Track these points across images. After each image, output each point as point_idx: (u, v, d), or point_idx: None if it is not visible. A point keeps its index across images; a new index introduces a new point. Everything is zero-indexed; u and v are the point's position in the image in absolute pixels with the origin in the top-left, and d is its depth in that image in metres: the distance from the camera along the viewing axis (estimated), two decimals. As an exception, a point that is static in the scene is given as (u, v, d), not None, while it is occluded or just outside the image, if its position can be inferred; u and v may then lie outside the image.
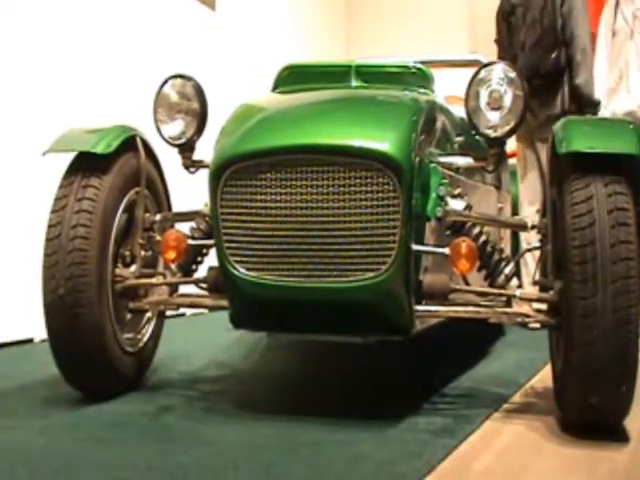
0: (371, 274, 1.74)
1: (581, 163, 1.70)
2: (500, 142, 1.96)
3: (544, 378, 2.38)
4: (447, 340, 3.07)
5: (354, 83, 2.18)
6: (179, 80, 2.14)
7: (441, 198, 1.91)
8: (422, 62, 2.30)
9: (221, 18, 4.67)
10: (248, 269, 1.82)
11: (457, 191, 1.98)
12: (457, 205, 1.94)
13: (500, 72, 1.88)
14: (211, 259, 2.05)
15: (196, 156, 2.21)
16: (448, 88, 2.74)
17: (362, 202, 1.73)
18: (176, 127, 2.14)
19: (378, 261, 1.74)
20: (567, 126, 1.78)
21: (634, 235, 1.63)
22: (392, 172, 1.72)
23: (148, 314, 2.28)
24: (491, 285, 1.99)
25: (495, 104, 1.89)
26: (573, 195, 1.68)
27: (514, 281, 1.98)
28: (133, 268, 2.14)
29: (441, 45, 4.84)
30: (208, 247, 2.11)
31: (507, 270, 1.98)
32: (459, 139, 2.19)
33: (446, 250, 1.82)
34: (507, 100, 1.87)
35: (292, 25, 5.24)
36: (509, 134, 1.92)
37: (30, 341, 3.16)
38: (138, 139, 2.14)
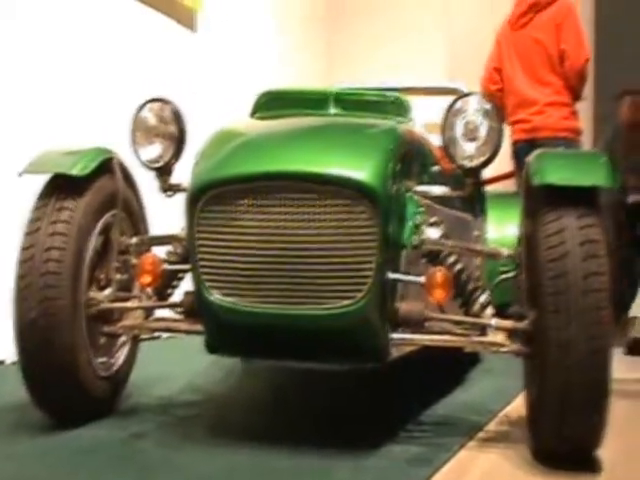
0: (347, 302, 1.76)
1: (554, 195, 1.74)
2: (476, 172, 2.00)
3: (519, 406, 2.39)
4: (423, 367, 3.09)
5: (333, 110, 2.22)
6: (157, 103, 2.16)
7: (417, 227, 1.94)
8: (402, 89, 2.35)
9: (201, 40, 4.70)
10: (224, 294, 1.84)
11: (433, 219, 2.02)
12: (433, 234, 1.97)
13: (475, 103, 1.93)
14: (187, 283, 2.05)
15: (175, 180, 2.22)
16: (427, 115, 2.79)
17: (338, 230, 1.75)
18: (153, 151, 2.15)
19: (354, 289, 1.76)
20: (541, 158, 1.83)
21: (605, 266, 1.67)
22: (368, 200, 1.75)
23: (122, 338, 2.27)
24: (466, 313, 2.02)
25: (471, 135, 1.93)
26: (546, 227, 1.72)
27: (489, 309, 2.00)
28: (108, 291, 2.14)
29: (422, 70, 4.92)
30: (184, 271, 2.11)
31: (482, 298, 2.01)
32: (436, 168, 2.23)
33: (422, 279, 1.85)
34: (482, 131, 1.92)
35: (273, 47, 5.29)
36: (484, 164, 1.96)
37: (1, 363, 3.13)
38: (115, 161, 2.15)
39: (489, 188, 3.53)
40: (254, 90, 2.42)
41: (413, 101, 2.40)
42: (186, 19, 4.54)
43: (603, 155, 1.85)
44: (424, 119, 2.58)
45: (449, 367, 3.08)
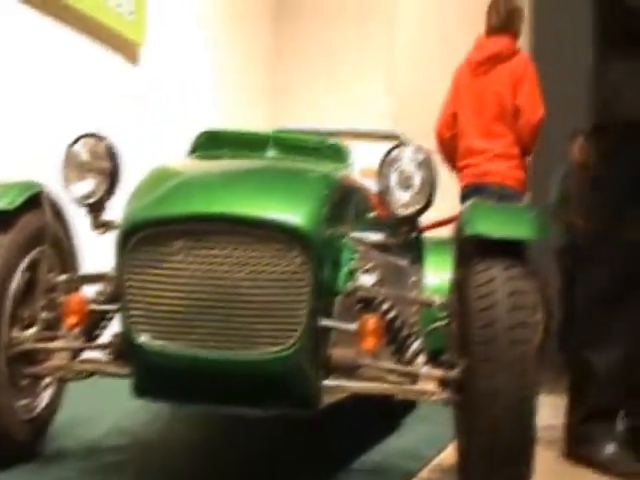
0: (277, 348, 1.76)
1: (484, 245, 1.79)
2: (410, 220, 2.04)
3: (452, 454, 2.42)
4: (358, 412, 3.09)
5: (271, 153, 2.24)
6: (91, 138, 2.14)
7: (352, 273, 1.97)
8: (343, 132, 2.40)
9: (143, 74, 4.68)
10: (153, 337, 1.81)
11: (368, 266, 2.04)
12: (367, 280, 1.99)
13: (410, 153, 1.98)
14: (117, 324, 2.03)
15: (110, 216, 2.20)
16: (367, 160, 2.84)
17: (270, 275, 1.75)
18: (85, 187, 2.13)
19: (285, 335, 1.76)
20: (473, 208, 1.89)
21: (533, 317, 1.72)
22: (301, 245, 1.76)
23: (47, 379, 2.22)
24: (399, 361, 2.04)
25: (405, 184, 1.97)
26: (476, 277, 1.77)
27: (421, 357, 2.03)
28: (32, 331, 2.09)
29: (364, 114, 5.01)
30: (113, 312, 2.09)
31: (415, 346, 2.03)
32: (372, 214, 2.27)
33: (354, 326, 1.87)
34: (416, 181, 1.97)
35: (216, 85, 5.31)
36: (419, 213, 2.01)
37: None
38: (44, 196, 2.12)
39: (432, 233, 3.60)
40: (195, 128, 2.44)
41: (354, 145, 2.45)
42: (127, 52, 4.52)
43: (533, 209, 1.92)
44: (364, 164, 2.63)
45: (384, 413, 3.10)
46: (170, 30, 4.86)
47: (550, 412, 2.81)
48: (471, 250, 1.83)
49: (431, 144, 4.83)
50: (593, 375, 2.52)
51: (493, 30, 4.01)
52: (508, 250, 1.79)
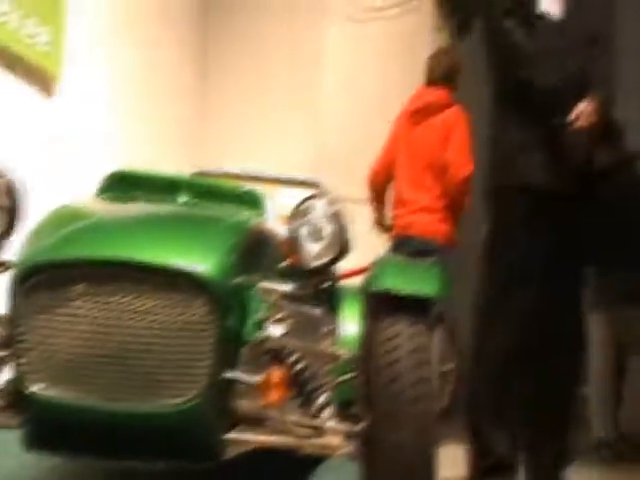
0: (178, 400, 1.71)
1: (390, 301, 1.82)
2: (321, 272, 2.04)
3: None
4: (265, 463, 3.04)
5: (183, 198, 2.22)
6: None
7: (260, 323, 1.95)
8: (263, 178, 2.40)
9: (59, 107, 4.57)
10: (47, 386, 1.74)
11: (278, 316, 2.03)
12: (276, 331, 1.97)
13: (322, 205, 1.99)
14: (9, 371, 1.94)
15: (6, 256, 2.12)
16: (286, 207, 2.85)
17: (173, 324, 1.71)
18: (-19, 225, 2.04)
19: (186, 387, 1.72)
20: (381, 263, 1.92)
21: (435, 373, 1.75)
22: (207, 295, 1.73)
23: None
24: (306, 414, 2.03)
25: (316, 235, 1.98)
26: (382, 332, 1.79)
27: (328, 411, 2.02)
28: None
29: (287, 159, 5.03)
30: (5, 358, 1.99)
31: (322, 399, 2.02)
32: (285, 263, 2.27)
33: (258, 379, 1.84)
34: (327, 233, 1.98)
35: (135, 122, 5.23)
36: (328, 265, 2.02)
37: None
38: None
39: (350, 281, 3.61)
40: (109, 166, 2.39)
41: (275, 191, 2.45)
42: (42, 84, 4.40)
43: (439, 266, 1.97)
44: (282, 211, 2.63)
45: (294, 462, 3.05)
46: (90, 62, 4.77)
47: (453, 463, 2.83)
48: (378, 304, 1.85)
49: (354, 193, 4.91)
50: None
51: (431, 82, 4.09)
52: (414, 306, 1.81)
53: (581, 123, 2.42)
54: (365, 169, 5.31)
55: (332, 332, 3.17)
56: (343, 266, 2.70)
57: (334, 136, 5.29)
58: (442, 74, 4.06)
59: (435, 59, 4.16)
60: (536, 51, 2.45)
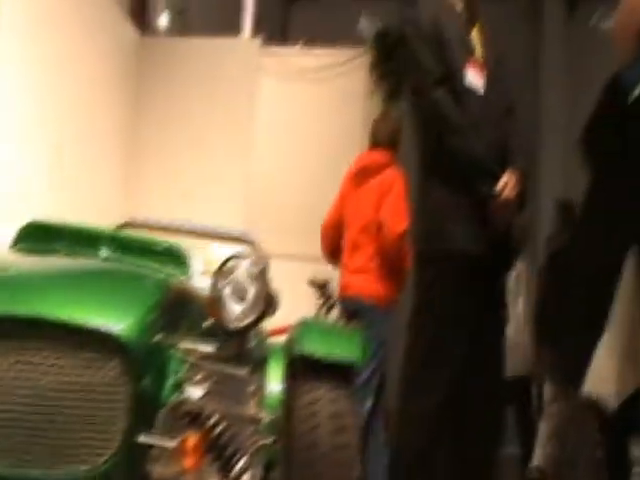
0: (87, 467, 1.64)
1: (311, 365, 1.81)
2: (242, 333, 2.02)
3: None
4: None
5: (104, 252, 2.17)
6: None
7: (178, 385, 1.90)
8: (193, 230, 2.36)
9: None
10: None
11: (198, 377, 1.98)
12: (195, 393, 1.93)
13: (246, 265, 1.97)
14: None
15: None
16: (215, 262, 2.82)
17: (84, 386, 1.65)
18: None
19: (97, 452, 1.65)
20: (302, 327, 1.91)
21: (355, 438, 1.73)
22: (121, 355, 1.68)
23: None
24: (225, 478, 1.98)
25: (239, 296, 1.96)
26: (301, 397, 1.77)
27: (247, 475, 1.97)
28: None
29: (218, 214, 4.99)
30: None
31: (241, 463, 1.98)
32: (208, 322, 2.23)
33: (173, 443, 1.79)
34: (250, 294, 1.96)
35: (58, 170, 5.09)
36: (251, 326, 1.99)
37: None
38: None
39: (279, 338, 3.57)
40: (27, 217, 2.33)
41: (204, 244, 2.42)
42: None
43: (360, 330, 1.97)
44: (212, 266, 2.60)
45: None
46: (15, 105, 4.65)
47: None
48: (299, 368, 1.84)
49: (283, 250, 4.90)
50: None
51: (375, 145, 4.19)
52: (334, 371, 1.80)
53: (507, 194, 2.49)
54: (297, 225, 5.34)
55: (257, 393, 3.12)
56: (272, 322, 2.68)
57: (266, 192, 5.32)
58: (386, 138, 4.16)
59: (379, 123, 4.27)
60: (463, 121, 2.53)
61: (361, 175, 4.10)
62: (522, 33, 8.59)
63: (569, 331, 2.30)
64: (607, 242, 2.17)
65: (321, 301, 4.27)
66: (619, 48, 2.02)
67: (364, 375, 3.45)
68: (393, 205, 3.95)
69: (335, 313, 4.24)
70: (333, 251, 4.16)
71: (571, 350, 2.26)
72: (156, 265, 2.21)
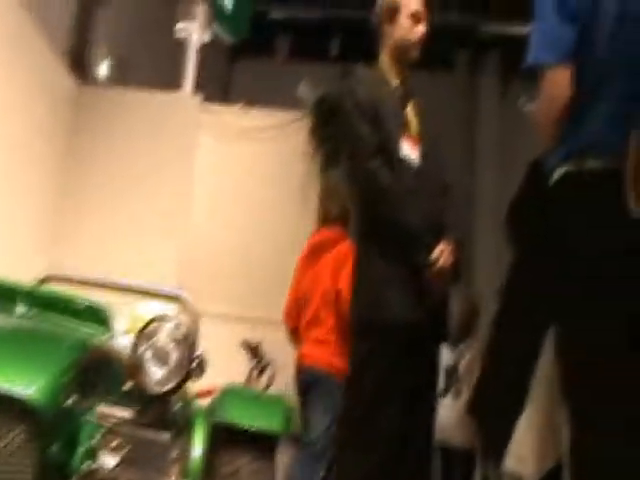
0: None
1: (232, 434, 1.75)
2: (163, 397, 1.95)
3: None
4: None
5: (20, 309, 2.08)
6: None
7: (91, 452, 1.81)
8: (122, 286, 2.29)
9: None
10: None
11: (114, 444, 1.90)
12: (109, 461, 1.84)
13: (169, 328, 1.92)
14: None
15: None
16: (142, 320, 2.74)
17: (-11, 453, 1.57)
18: None
19: (-5, 525, 1.56)
20: (225, 396, 1.86)
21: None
22: (28, 420, 1.59)
23: None
24: None
25: (161, 360, 1.90)
26: (221, 467, 1.71)
27: None
28: None
29: (150, 270, 4.89)
30: None
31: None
32: (128, 385, 2.15)
33: (78, 517, 1.70)
34: (173, 358, 1.90)
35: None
36: (171, 392, 1.93)
37: None
38: None
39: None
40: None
41: (132, 302, 2.35)
42: None
43: (286, 401, 1.93)
44: (138, 324, 2.52)
45: None
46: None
47: None
48: (221, 436, 1.78)
49: (216, 310, 4.82)
50: None
51: (327, 222, 4.26)
52: (257, 440, 1.75)
53: (442, 263, 2.52)
54: (232, 285, 5.27)
55: (179, 459, 3.01)
56: (200, 384, 2.61)
57: (201, 249, 5.25)
58: (336, 214, 4.25)
59: (327, 201, 4.35)
60: (398, 192, 2.56)
61: (316, 252, 4.19)
62: (458, 111, 8.89)
63: (493, 408, 2.32)
64: (527, 322, 2.23)
65: (253, 363, 4.22)
66: (541, 133, 2.10)
67: (318, 446, 3.41)
68: (350, 275, 3.99)
69: (266, 376, 4.19)
70: (295, 329, 4.17)
71: (494, 426, 2.27)
72: (75, 323, 2.13)
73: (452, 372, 5.30)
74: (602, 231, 1.97)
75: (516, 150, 8.04)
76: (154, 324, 1.92)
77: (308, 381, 3.83)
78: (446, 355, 5.34)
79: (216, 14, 5.62)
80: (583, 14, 2.02)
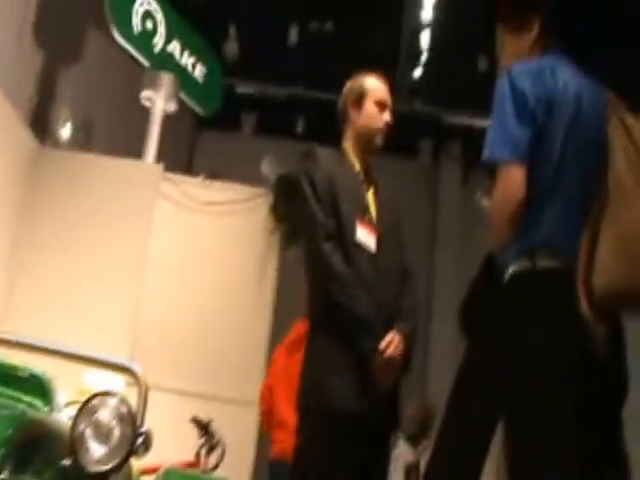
0: None
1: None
2: (103, 476, 1.87)
3: None
4: None
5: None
6: None
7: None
8: (71, 354, 2.21)
9: None
10: None
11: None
12: None
13: (113, 404, 1.86)
14: None
15: None
16: (88, 391, 2.65)
17: None
18: None
19: None
20: (165, 476, 1.79)
21: None
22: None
23: None
24: None
25: (102, 437, 1.84)
26: None
27: None
28: None
29: (103, 342, 4.75)
30: None
31: None
32: (65, 462, 2.06)
33: None
34: (115, 435, 1.84)
35: None
36: (112, 470, 1.85)
37: None
38: None
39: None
40: None
41: (78, 371, 2.27)
42: None
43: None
44: (83, 396, 2.44)
45: None
46: None
47: None
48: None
49: (167, 384, 4.70)
50: None
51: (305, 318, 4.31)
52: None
53: (390, 353, 2.50)
54: (185, 360, 5.15)
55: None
56: (146, 461, 2.52)
57: (156, 321, 5.15)
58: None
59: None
60: (349, 277, 2.54)
61: (297, 344, 4.18)
62: (420, 197, 9.06)
63: None
64: (475, 417, 2.24)
65: (202, 441, 4.12)
66: (495, 230, 2.13)
67: None
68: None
69: (215, 455, 4.09)
70: (268, 411, 4.11)
71: None
72: (15, 394, 2.04)
73: (412, 470, 5.24)
74: (551, 333, 1.99)
75: (476, 238, 8.18)
76: (97, 399, 1.86)
77: (285, 470, 3.76)
78: (406, 453, 5.30)
79: (185, 85, 5.68)
80: (540, 117, 2.11)
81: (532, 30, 2.30)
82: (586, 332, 1.95)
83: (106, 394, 1.88)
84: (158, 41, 5.45)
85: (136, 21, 5.28)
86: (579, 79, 2.21)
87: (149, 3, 5.37)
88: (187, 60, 5.71)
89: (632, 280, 1.93)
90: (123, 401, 1.87)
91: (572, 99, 2.14)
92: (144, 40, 5.34)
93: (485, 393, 2.23)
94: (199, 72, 5.82)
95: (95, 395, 1.87)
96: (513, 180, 2.07)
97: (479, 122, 8.24)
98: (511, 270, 2.10)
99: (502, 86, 2.16)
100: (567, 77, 2.18)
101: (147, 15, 5.37)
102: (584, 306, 1.95)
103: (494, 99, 2.17)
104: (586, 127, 2.14)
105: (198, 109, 5.88)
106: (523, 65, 2.21)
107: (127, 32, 5.23)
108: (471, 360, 2.33)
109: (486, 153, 2.14)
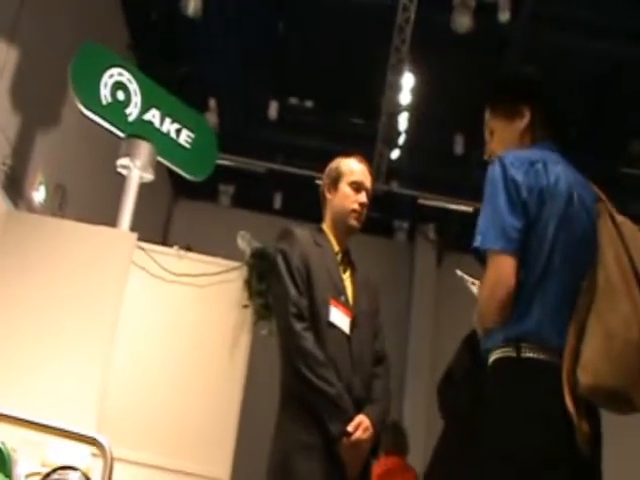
0: None
1: None
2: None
3: None
4: None
5: None
6: None
7: None
8: (35, 423, 2.17)
9: None
10: None
11: None
12: None
13: (74, 478, 1.84)
14: None
15: None
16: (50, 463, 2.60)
17: None
18: None
19: None
20: None
21: None
22: None
23: None
24: None
25: None
26: None
27: None
28: None
29: (69, 413, 4.65)
30: None
31: None
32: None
33: None
34: None
35: None
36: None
37: None
38: None
39: None
40: None
41: (41, 440, 2.23)
42: None
43: None
44: (46, 467, 2.39)
45: None
46: None
47: None
48: None
49: (134, 455, 4.58)
50: None
51: (386, 451, 4.40)
52: None
53: (358, 436, 2.48)
54: (154, 433, 5.04)
55: None
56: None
57: (124, 394, 5.07)
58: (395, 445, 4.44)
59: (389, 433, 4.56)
60: (320, 357, 2.55)
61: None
62: (395, 276, 9.14)
63: None
64: None
65: None
66: (482, 317, 2.13)
67: None
68: None
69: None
70: None
71: None
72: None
73: None
74: (534, 427, 1.97)
75: (450, 316, 8.24)
76: (58, 473, 1.83)
77: None
78: None
79: (168, 152, 5.65)
80: (532, 208, 2.12)
81: (523, 118, 2.31)
82: (570, 427, 1.92)
83: (67, 468, 1.85)
84: (132, 111, 5.45)
85: (105, 93, 5.26)
86: (569, 174, 2.23)
87: (120, 74, 5.38)
88: (170, 127, 5.70)
89: (616, 381, 1.90)
90: (84, 476, 1.85)
91: (563, 193, 2.15)
92: (115, 111, 5.32)
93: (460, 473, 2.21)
94: (185, 138, 5.79)
95: (56, 469, 1.85)
96: (504, 269, 2.07)
97: (454, 205, 8.43)
98: (495, 357, 2.10)
99: (494, 173, 2.16)
100: (558, 171, 2.19)
101: (118, 86, 5.36)
102: (568, 402, 1.93)
103: (486, 185, 2.18)
104: (576, 221, 2.15)
105: (187, 175, 5.81)
106: (515, 154, 2.21)
107: (94, 104, 5.19)
108: (447, 433, 2.33)
109: (478, 241, 2.14)
